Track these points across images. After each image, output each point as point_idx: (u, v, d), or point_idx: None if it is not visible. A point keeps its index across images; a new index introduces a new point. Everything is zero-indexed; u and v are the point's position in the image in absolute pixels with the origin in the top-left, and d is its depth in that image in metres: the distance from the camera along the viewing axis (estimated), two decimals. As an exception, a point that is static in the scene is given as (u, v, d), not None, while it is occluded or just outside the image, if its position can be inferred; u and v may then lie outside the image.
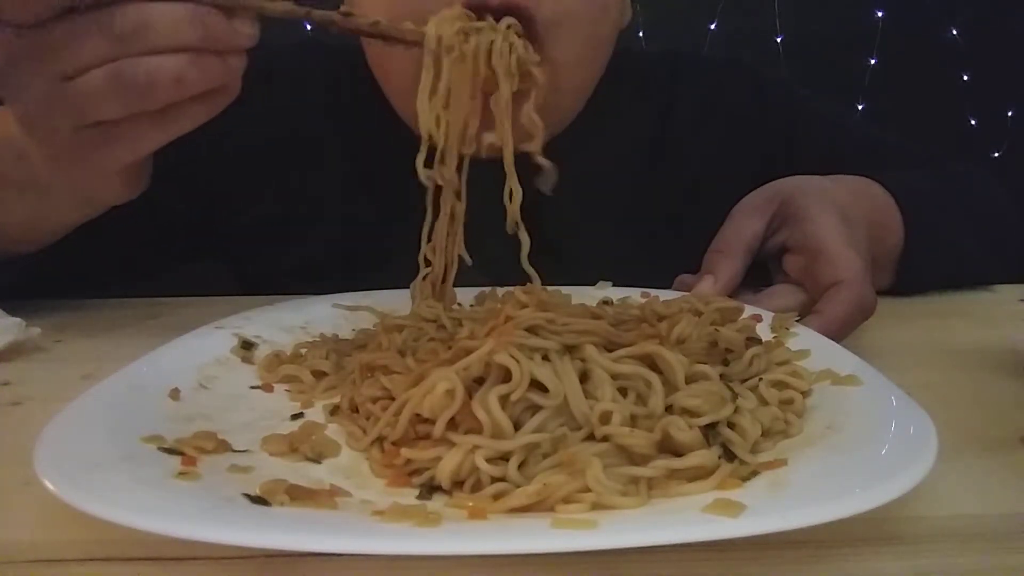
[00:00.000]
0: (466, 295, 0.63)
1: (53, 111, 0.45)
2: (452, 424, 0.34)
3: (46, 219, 0.61)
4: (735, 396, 0.38)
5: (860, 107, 2.14)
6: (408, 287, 0.64)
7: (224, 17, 0.44)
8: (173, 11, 0.43)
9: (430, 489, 0.33)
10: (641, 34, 1.89)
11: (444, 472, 0.33)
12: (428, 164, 0.54)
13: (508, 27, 0.56)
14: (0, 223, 0.61)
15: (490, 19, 0.56)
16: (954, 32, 2.15)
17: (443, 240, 0.57)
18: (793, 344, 0.48)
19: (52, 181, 0.53)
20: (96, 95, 0.43)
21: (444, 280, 0.58)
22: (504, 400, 0.34)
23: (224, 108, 0.48)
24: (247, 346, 0.50)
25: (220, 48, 0.45)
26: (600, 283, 0.66)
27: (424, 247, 0.57)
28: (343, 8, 0.50)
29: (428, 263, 0.58)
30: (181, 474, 0.32)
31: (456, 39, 0.53)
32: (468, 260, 0.58)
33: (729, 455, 0.34)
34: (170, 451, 0.34)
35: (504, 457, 0.33)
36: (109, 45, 0.42)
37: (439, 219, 0.57)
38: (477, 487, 0.32)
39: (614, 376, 0.36)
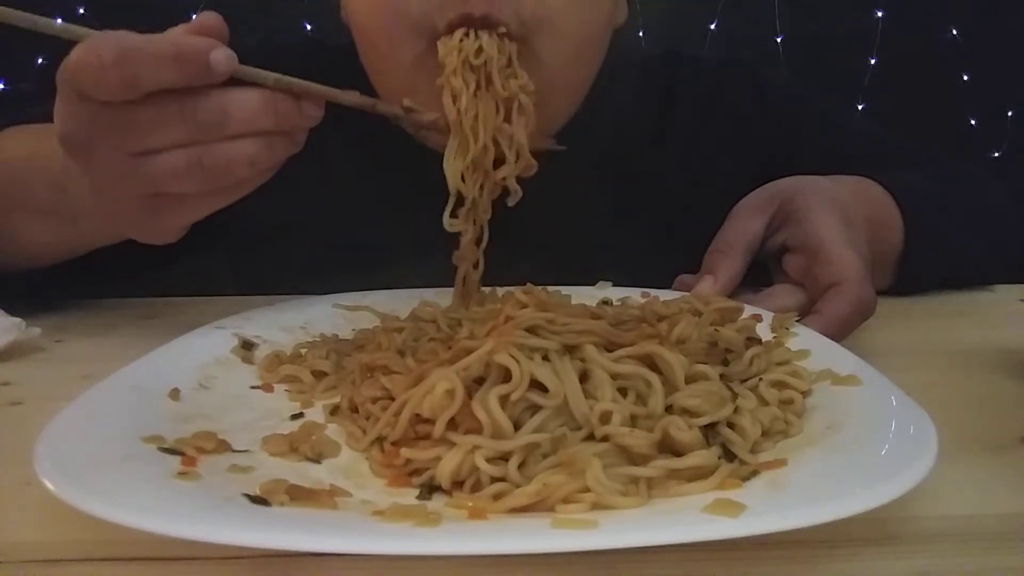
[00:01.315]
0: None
1: (125, 182, 0.47)
2: (452, 424, 0.34)
3: (73, 242, 0.62)
4: (735, 396, 0.38)
5: (860, 107, 2.13)
6: (407, 287, 0.64)
7: (294, 101, 0.47)
8: (251, 100, 0.45)
9: (430, 489, 0.33)
10: (641, 34, 1.89)
11: (444, 472, 0.33)
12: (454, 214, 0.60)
13: (507, 64, 0.60)
14: (26, 244, 0.62)
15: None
16: (954, 32, 2.15)
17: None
18: (793, 344, 0.48)
19: (95, 218, 0.55)
20: (172, 174, 0.45)
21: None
22: (504, 400, 0.34)
23: None
24: (247, 346, 0.50)
25: (288, 129, 0.48)
26: (600, 283, 0.66)
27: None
28: (407, 102, 0.55)
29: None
30: (181, 474, 0.32)
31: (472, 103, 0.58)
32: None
33: (729, 455, 0.34)
34: (170, 451, 0.34)
35: (504, 457, 0.33)
36: (190, 131, 0.45)
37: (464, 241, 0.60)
38: (477, 487, 0.32)
39: (614, 376, 0.36)
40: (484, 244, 0.60)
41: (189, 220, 0.51)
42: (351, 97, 0.51)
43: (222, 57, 0.44)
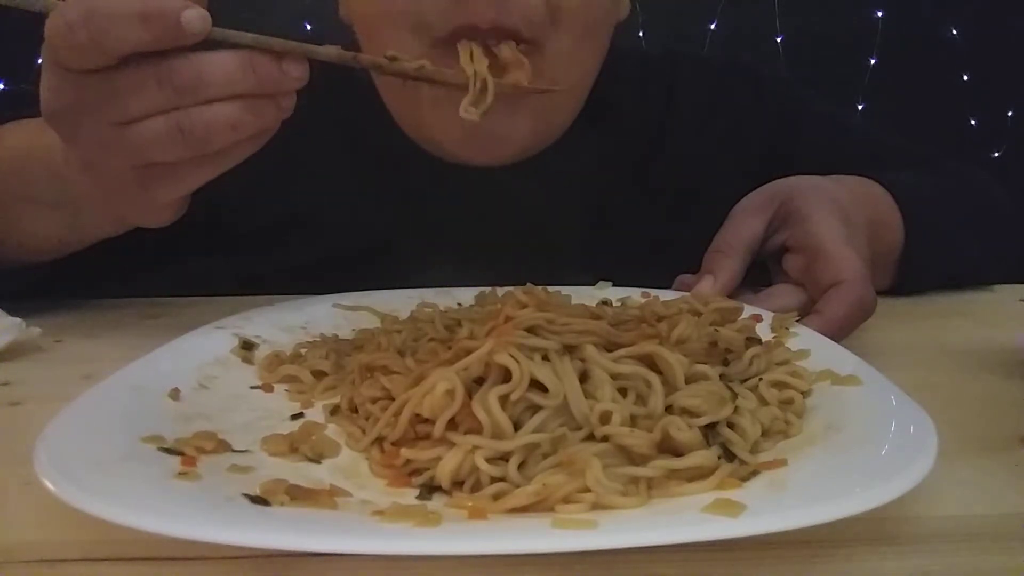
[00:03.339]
0: (466, 295, 0.63)
1: (110, 153, 0.47)
2: (452, 424, 0.34)
3: (75, 234, 0.62)
4: (735, 396, 0.38)
5: (860, 107, 2.14)
6: (408, 287, 0.64)
7: (274, 62, 0.46)
8: (226, 61, 0.44)
9: (430, 489, 0.33)
10: (641, 34, 1.89)
11: (444, 472, 0.33)
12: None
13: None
14: (28, 237, 0.62)
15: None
16: (954, 32, 2.15)
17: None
18: (793, 344, 0.48)
19: (93, 205, 0.54)
20: (155, 142, 0.45)
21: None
22: (504, 400, 0.34)
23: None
24: (247, 346, 0.50)
25: (271, 92, 0.46)
26: (600, 283, 0.66)
27: None
28: (391, 53, 0.52)
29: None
30: (181, 474, 0.32)
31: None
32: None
33: (729, 455, 0.34)
34: (170, 451, 0.34)
35: (504, 457, 0.33)
36: (168, 96, 0.44)
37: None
38: (477, 487, 0.32)
39: (614, 376, 0.36)
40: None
41: (180, 192, 0.50)
42: (331, 52, 0.49)
43: (194, 17, 0.43)
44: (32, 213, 0.60)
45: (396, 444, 0.36)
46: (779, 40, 2.11)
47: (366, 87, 0.71)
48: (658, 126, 0.84)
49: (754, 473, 0.32)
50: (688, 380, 0.37)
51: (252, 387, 0.46)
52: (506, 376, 0.35)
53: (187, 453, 0.34)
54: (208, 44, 0.44)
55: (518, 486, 0.31)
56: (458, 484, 0.33)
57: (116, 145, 0.46)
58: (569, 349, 0.37)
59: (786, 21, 2.10)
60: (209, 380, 0.44)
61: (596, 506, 0.30)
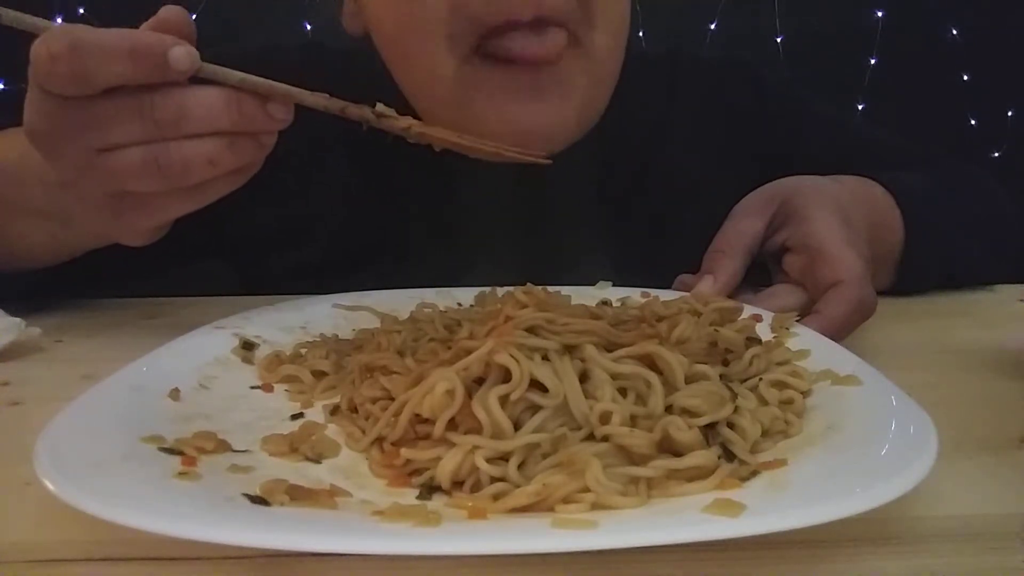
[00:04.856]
0: (466, 295, 0.63)
1: (87, 178, 0.46)
2: (452, 424, 0.34)
3: (67, 243, 0.62)
4: (735, 396, 0.38)
5: (860, 107, 2.14)
6: (409, 287, 0.64)
7: (259, 102, 0.45)
8: (210, 98, 0.44)
9: (430, 489, 0.33)
10: (641, 34, 1.89)
11: (444, 472, 0.33)
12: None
13: None
14: (20, 246, 0.62)
15: None
16: (954, 32, 2.15)
17: None
18: (793, 344, 0.48)
19: (78, 218, 0.54)
20: (130, 172, 0.45)
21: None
22: (504, 400, 0.34)
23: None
24: (247, 346, 0.50)
25: (254, 131, 0.46)
26: (600, 283, 0.66)
27: None
28: (380, 107, 0.51)
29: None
30: (181, 474, 0.32)
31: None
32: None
33: (729, 455, 0.34)
34: (170, 451, 0.34)
35: (504, 457, 0.33)
36: (147, 128, 0.44)
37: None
38: (477, 487, 0.32)
39: (614, 376, 0.36)
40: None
41: (155, 222, 0.50)
42: (319, 100, 0.48)
43: (182, 54, 0.42)
44: (27, 222, 0.60)
45: (396, 444, 0.36)
46: (779, 40, 2.11)
47: (368, 85, 0.71)
48: (658, 126, 0.84)
49: (754, 473, 0.32)
50: (688, 380, 0.37)
51: (252, 387, 0.46)
52: (506, 376, 0.35)
53: (187, 453, 0.34)
54: (195, 79, 0.44)
55: (518, 486, 0.31)
56: (458, 484, 0.33)
57: (93, 171, 0.45)
58: (569, 349, 0.37)
59: (786, 21, 2.10)
60: (209, 380, 0.44)
61: (596, 506, 0.30)
